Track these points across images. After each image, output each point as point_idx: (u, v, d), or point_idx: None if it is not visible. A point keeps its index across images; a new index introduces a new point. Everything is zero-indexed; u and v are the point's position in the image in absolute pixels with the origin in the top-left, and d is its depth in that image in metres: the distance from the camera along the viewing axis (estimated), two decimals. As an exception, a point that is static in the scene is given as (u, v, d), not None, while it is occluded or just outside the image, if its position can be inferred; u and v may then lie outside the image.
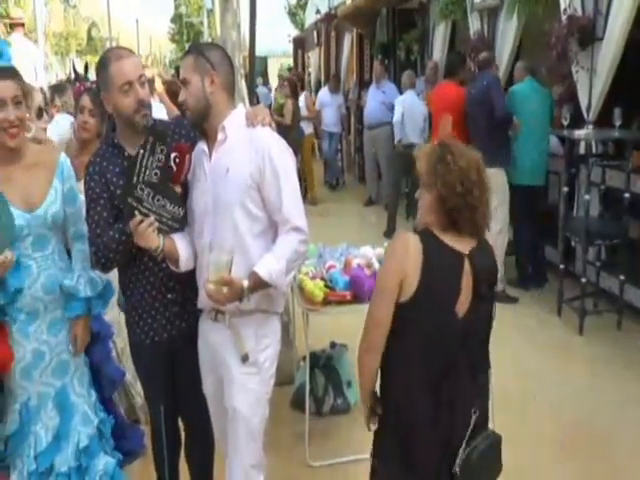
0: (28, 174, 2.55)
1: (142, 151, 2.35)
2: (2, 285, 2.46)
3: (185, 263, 2.48)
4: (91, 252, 2.52)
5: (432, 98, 7.10)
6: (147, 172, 2.36)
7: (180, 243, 2.47)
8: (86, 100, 3.39)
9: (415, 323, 2.06)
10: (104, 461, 2.72)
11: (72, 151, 3.44)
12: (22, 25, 9.59)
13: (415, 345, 2.07)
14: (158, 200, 2.38)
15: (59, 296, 2.62)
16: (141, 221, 2.32)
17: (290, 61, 22.51)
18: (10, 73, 2.47)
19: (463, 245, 2.07)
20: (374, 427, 2.22)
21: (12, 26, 9.48)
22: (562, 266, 5.44)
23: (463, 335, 2.06)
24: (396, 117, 8.11)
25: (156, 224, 2.36)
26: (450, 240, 2.06)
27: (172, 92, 5.43)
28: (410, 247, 2.03)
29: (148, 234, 2.33)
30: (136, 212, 2.35)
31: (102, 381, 2.87)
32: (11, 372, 2.57)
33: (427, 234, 2.07)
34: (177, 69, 7.13)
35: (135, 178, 2.35)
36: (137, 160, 2.35)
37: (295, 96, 10.01)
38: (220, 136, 2.40)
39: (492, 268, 2.16)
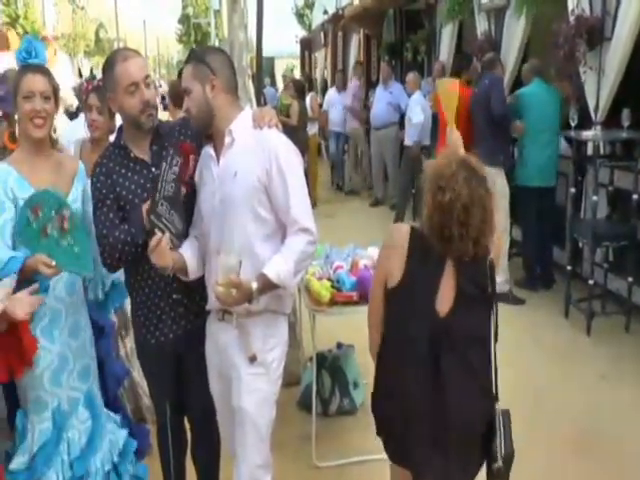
0: (53, 172, 2.59)
1: (164, 164, 2.37)
2: None
3: (194, 272, 2.51)
4: (98, 252, 2.54)
5: (440, 99, 7.08)
6: (166, 186, 2.37)
7: (187, 253, 2.49)
8: (93, 98, 3.39)
9: (399, 311, 2.20)
10: (134, 462, 2.79)
11: (85, 150, 3.46)
12: (55, 39, 10.38)
13: (397, 332, 2.22)
14: (171, 214, 2.40)
15: (76, 299, 2.65)
16: (159, 239, 2.34)
17: (297, 62, 22.53)
18: (41, 70, 2.53)
19: (450, 249, 2.13)
20: None
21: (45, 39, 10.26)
22: (569, 267, 5.42)
23: (446, 333, 2.14)
24: (418, 118, 7.89)
25: (169, 241, 2.39)
26: (438, 243, 2.13)
27: (176, 94, 5.44)
28: (399, 240, 2.20)
29: (165, 252, 2.36)
30: (156, 230, 2.36)
31: (106, 377, 2.88)
32: (38, 380, 2.55)
33: (419, 231, 2.20)
34: (180, 72, 7.13)
35: (158, 194, 2.36)
36: (160, 175, 2.36)
37: (302, 97, 10.00)
38: (227, 140, 2.40)
39: (480, 274, 2.17)
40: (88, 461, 2.62)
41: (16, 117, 2.59)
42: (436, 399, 2.15)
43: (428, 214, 2.14)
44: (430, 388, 2.16)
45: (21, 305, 2.10)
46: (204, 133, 2.46)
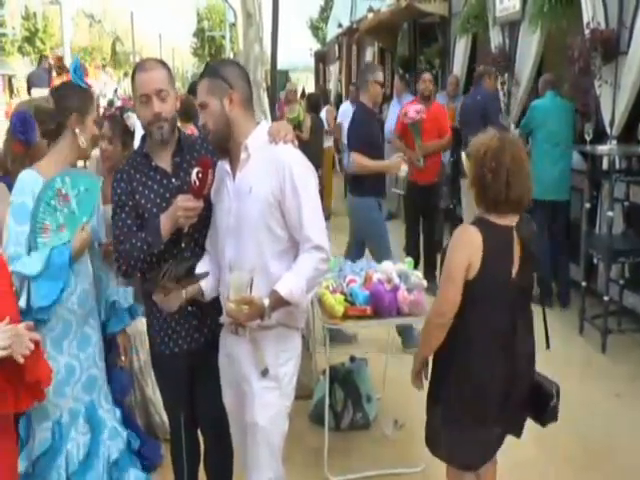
0: None
1: (166, 265, 2.40)
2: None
3: (211, 292, 2.52)
4: (114, 258, 2.55)
5: None
6: (172, 272, 2.39)
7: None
8: (106, 127, 3.38)
9: (482, 294, 2.40)
10: (134, 475, 2.74)
11: (97, 173, 3.47)
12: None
13: (484, 313, 2.42)
14: (179, 281, 2.43)
15: (88, 311, 2.67)
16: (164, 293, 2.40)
17: (311, 75, 22.67)
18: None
19: (508, 220, 2.44)
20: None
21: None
22: (584, 283, 5.36)
23: (519, 292, 2.45)
24: None
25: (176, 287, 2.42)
26: (497, 219, 2.43)
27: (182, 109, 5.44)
28: (472, 236, 2.39)
29: (170, 301, 2.42)
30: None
31: (114, 384, 2.87)
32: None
33: (481, 220, 2.45)
34: (191, 85, 7.17)
35: (160, 280, 2.39)
36: (161, 271, 2.39)
37: (316, 111, 10.00)
38: (243, 155, 2.39)
39: (532, 234, 2.53)
40: (84, 476, 2.61)
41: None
42: (509, 365, 2.43)
43: (485, 205, 2.44)
44: (506, 356, 2.42)
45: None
46: (221, 148, 2.45)
